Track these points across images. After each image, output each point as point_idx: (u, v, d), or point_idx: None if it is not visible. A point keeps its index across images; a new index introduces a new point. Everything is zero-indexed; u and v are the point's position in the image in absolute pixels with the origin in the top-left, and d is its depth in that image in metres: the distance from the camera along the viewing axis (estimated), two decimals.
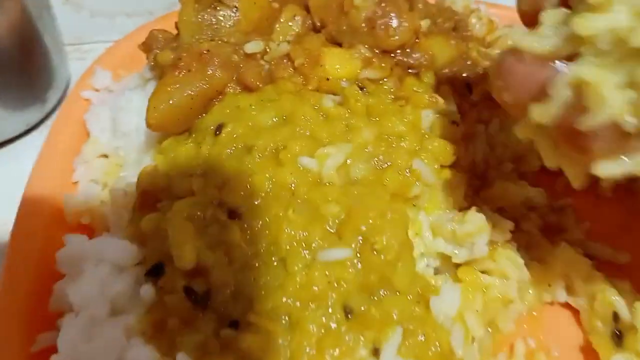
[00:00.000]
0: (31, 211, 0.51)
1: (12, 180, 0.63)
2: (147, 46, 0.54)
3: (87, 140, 0.57)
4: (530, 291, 0.52)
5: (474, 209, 0.47)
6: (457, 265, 0.48)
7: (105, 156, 0.56)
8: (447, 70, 0.58)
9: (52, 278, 0.47)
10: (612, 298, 0.50)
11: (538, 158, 0.62)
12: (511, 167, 0.60)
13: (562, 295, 0.53)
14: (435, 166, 0.48)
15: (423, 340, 0.40)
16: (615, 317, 0.50)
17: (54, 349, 0.42)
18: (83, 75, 0.64)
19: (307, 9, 0.59)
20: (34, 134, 0.73)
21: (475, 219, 0.46)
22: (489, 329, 0.49)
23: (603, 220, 0.60)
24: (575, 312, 0.54)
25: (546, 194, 0.59)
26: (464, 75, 0.58)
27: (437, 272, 0.48)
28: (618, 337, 0.50)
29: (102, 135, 0.56)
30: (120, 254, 0.42)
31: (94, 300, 0.39)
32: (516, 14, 0.77)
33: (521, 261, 0.49)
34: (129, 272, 0.42)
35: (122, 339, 0.38)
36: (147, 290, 0.40)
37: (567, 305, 0.54)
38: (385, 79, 0.53)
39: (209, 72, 0.47)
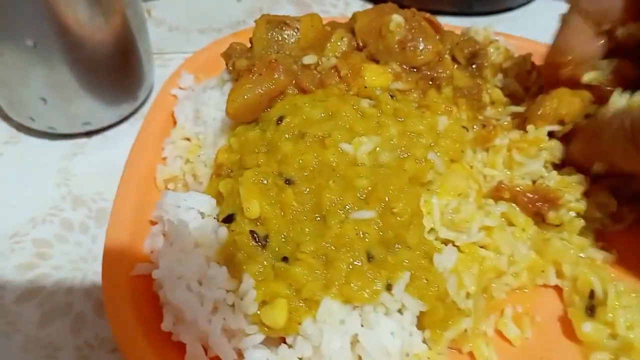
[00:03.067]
0: (131, 176, 0.66)
1: (108, 160, 0.80)
2: (227, 55, 0.70)
3: (175, 127, 0.72)
4: (525, 274, 0.63)
5: (467, 199, 0.60)
6: None
7: (188, 139, 0.71)
8: (465, 91, 0.71)
9: (144, 229, 0.63)
10: (591, 278, 0.61)
11: None
12: None
13: (552, 279, 0.64)
14: (446, 159, 0.61)
15: (425, 283, 0.52)
16: (592, 294, 0.61)
17: (147, 277, 0.57)
18: (171, 76, 0.80)
19: (352, 32, 0.73)
20: (125, 124, 0.88)
21: (468, 208, 0.59)
22: (484, 295, 0.61)
23: None
24: (560, 290, 0.65)
25: None
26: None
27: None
28: (591, 310, 0.60)
29: (186, 123, 0.72)
30: (205, 204, 0.56)
31: (184, 235, 0.54)
32: (529, 44, 0.91)
33: (512, 239, 0.61)
34: (209, 218, 0.56)
35: (203, 263, 0.52)
36: (222, 232, 0.54)
37: (555, 286, 0.65)
38: (411, 90, 0.67)
39: (275, 77, 0.62)
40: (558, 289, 0.65)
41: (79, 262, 0.70)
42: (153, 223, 0.62)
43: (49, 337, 0.62)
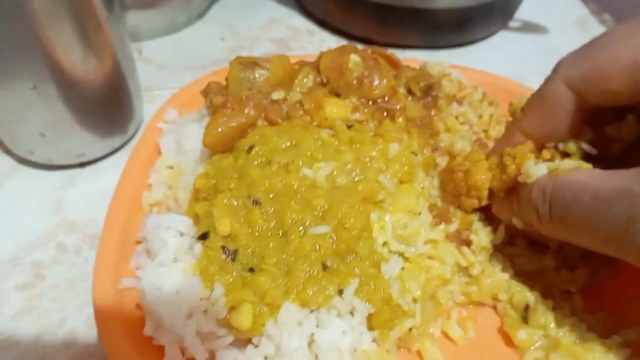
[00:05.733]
0: (119, 202, 0.74)
1: (100, 188, 0.87)
2: (205, 92, 0.79)
3: (160, 157, 0.81)
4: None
5: (415, 215, 0.69)
6: None
7: (171, 167, 0.80)
8: (417, 121, 0.80)
9: (131, 249, 0.70)
10: (527, 294, 0.68)
11: None
12: None
13: (490, 303, 0.71)
14: (395, 180, 0.69)
15: (372, 288, 0.60)
16: (526, 308, 0.68)
17: (133, 289, 0.65)
18: (158, 111, 0.88)
19: (318, 70, 0.82)
20: (116, 155, 0.96)
21: (414, 224, 0.67)
22: (432, 301, 0.69)
23: None
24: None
25: None
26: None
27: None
28: (525, 320, 0.68)
29: (169, 153, 0.80)
30: (183, 224, 0.64)
31: (164, 250, 0.62)
32: (482, 76, 1.00)
33: (455, 251, 0.69)
34: (186, 236, 0.64)
35: (180, 274, 0.60)
36: (198, 247, 0.62)
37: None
38: (368, 121, 0.76)
39: (245, 111, 0.71)
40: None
41: (73, 281, 0.77)
42: (139, 243, 0.70)
43: (43, 349, 0.69)
